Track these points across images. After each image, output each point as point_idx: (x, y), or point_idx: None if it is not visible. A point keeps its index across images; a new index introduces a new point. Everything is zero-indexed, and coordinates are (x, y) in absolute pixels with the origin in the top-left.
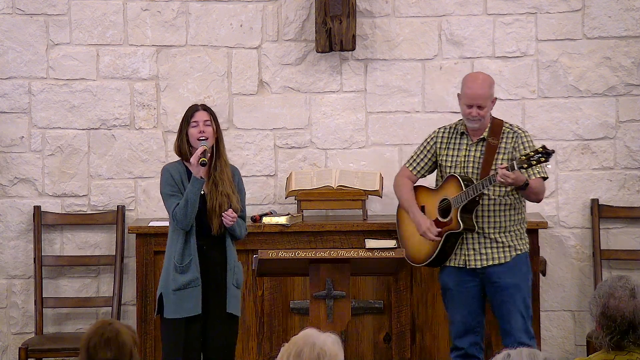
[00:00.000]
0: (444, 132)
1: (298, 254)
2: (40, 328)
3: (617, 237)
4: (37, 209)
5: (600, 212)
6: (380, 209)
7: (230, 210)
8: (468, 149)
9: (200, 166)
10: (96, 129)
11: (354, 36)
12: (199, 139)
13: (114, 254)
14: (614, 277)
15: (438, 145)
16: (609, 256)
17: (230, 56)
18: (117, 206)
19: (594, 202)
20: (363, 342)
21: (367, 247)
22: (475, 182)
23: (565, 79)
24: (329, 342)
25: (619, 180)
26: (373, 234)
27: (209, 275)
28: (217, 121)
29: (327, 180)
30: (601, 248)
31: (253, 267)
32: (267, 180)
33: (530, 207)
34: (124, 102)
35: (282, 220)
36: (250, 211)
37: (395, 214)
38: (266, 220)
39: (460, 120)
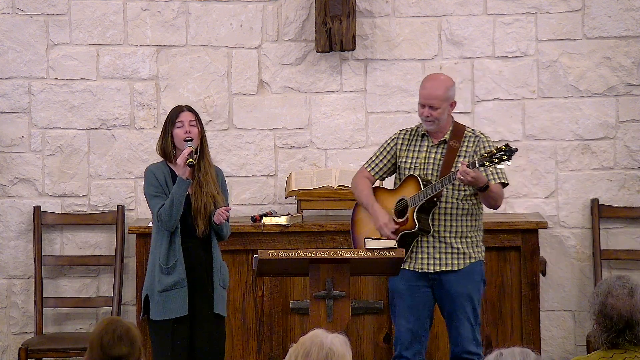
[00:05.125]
0: (405, 134)
1: (298, 254)
2: (40, 328)
3: (617, 237)
4: (37, 209)
5: (600, 212)
6: None
7: (225, 207)
8: (429, 150)
9: (188, 167)
10: (96, 129)
11: (354, 36)
12: (185, 140)
13: (114, 254)
14: (613, 276)
15: (399, 147)
16: (609, 256)
17: (230, 56)
18: (117, 206)
19: (594, 202)
20: (363, 342)
21: (367, 247)
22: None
23: (565, 79)
24: (337, 342)
25: (619, 180)
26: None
27: (195, 276)
28: (202, 122)
29: (327, 180)
30: (601, 248)
31: (253, 267)
32: (267, 180)
33: (530, 207)
34: (124, 102)
35: (282, 220)
36: (250, 211)
37: (351, 215)
38: (266, 220)
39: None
